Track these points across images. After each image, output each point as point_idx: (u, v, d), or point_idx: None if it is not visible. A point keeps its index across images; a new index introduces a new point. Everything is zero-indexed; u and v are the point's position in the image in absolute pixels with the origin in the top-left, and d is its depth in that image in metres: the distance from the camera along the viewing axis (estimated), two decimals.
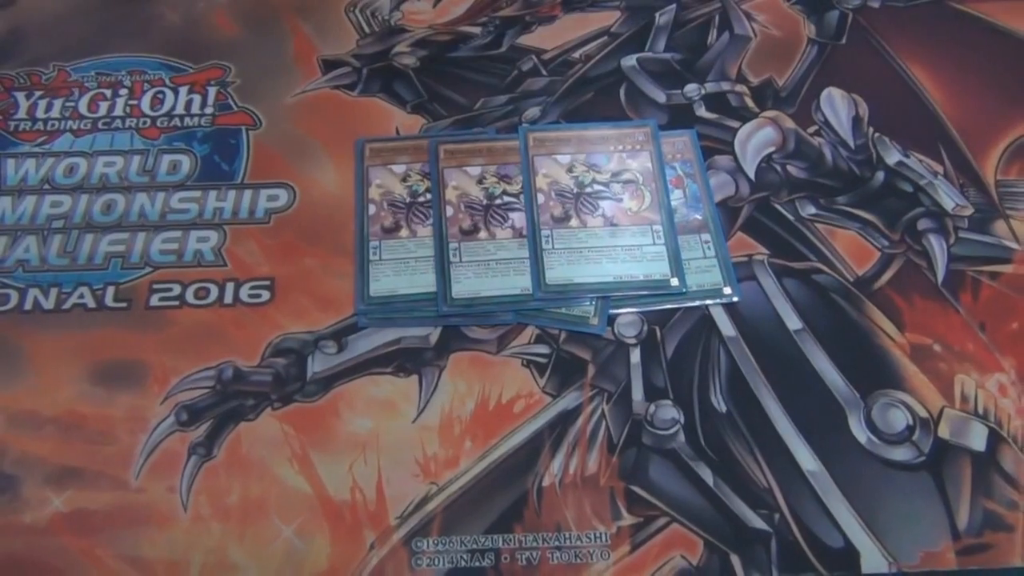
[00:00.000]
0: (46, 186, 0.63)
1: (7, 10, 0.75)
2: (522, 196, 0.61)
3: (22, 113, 0.67)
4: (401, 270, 0.58)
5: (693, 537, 0.49)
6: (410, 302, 0.57)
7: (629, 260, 0.58)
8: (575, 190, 0.61)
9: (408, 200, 0.61)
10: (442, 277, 0.57)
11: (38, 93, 0.68)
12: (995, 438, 0.52)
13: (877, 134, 0.65)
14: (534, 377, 0.55)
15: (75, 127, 0.66)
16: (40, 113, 0.67)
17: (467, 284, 0.57)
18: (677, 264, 0.58)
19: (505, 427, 0.53)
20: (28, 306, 0.57)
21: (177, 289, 0.58)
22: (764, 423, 0.53)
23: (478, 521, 0.50)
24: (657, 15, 0.73)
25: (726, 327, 0.57)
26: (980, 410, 0.53)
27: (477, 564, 0.48)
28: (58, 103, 0.68)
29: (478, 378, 0.55)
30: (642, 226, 0.59)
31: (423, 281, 0.57)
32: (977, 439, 0.52)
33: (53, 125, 0.66)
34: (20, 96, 0.68)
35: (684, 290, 0.57)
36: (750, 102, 0.67)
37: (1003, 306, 0.57)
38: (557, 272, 0.57)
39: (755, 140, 0.65)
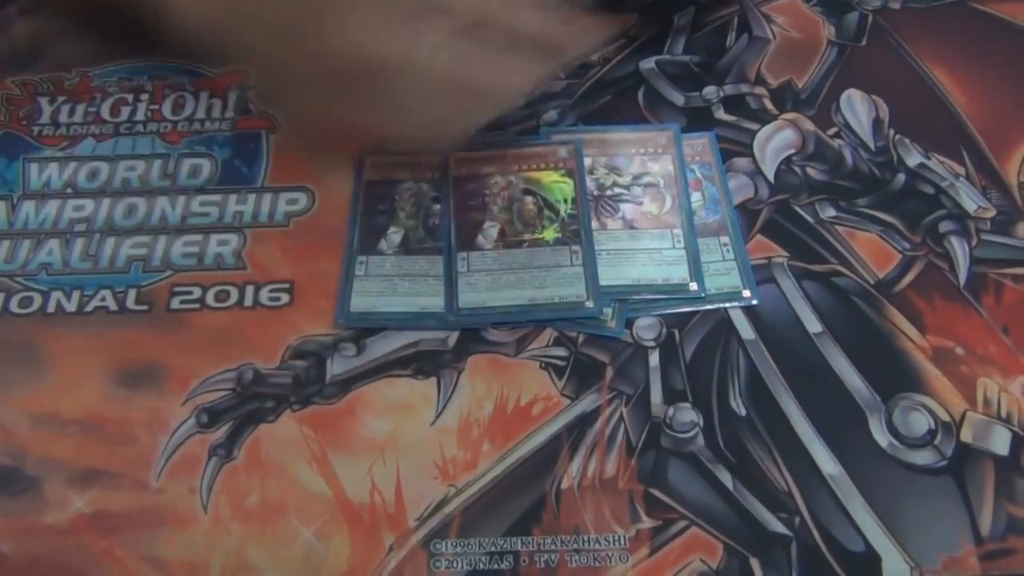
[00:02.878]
0: (69, 190, 0.64)
1: (30, 16, 0.76)
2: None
3: (45, 118, 0.68)
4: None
5: (713, 540, 0.49)
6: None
7: (648, 263, 0.58)
8: (596, 192, 0.61)
9: None
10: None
11: (61, 98, 0.69)
12: (1018, 442, 0.52)
13: (898, 136, 0.65)
14: (552, 380, 0.55)
15: (97, 132, 0.67)
16: (63, 118, 0.68)
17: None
18: (696, 268, 0.58)
19: (523, 429, 0.53)
20: (51, 309, 0.58)
21: (198, 292, 0.58)
22: (784, 426, 0.53)
23: (497, 523, 0.50)
24: (675, 17, 0.73)
25: (745, 330, 0.56)
26: (1003, 414, 0.53)
27: (496, 566, 0.48)
28: (80, 108, 0.68)
29: (496, 380, 0.55)
30: (662, 230, 0.59)
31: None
32: (1000, 443, 0.52)
33: (76, 130, 0.67)
34: (43, 101, 0.69)
35: (703, 294, 0.57)
36: (769, 104, 0.67)
37: None
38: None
39: (774, 142, 0.65)
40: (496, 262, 0.58)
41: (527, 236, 0.59)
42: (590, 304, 0.56)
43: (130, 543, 0.49)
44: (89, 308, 0.58)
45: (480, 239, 0.59)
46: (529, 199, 0.60)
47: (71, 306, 0.58)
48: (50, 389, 0.55)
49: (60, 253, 0.60)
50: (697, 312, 0.57)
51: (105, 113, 0.68)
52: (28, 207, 0.63)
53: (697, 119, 0.66)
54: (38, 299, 0.58)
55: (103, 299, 0.58)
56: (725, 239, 0.59)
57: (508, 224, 0.59)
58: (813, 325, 0.56)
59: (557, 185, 0.61)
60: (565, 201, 0.60)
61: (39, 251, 0.60)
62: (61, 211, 0.62)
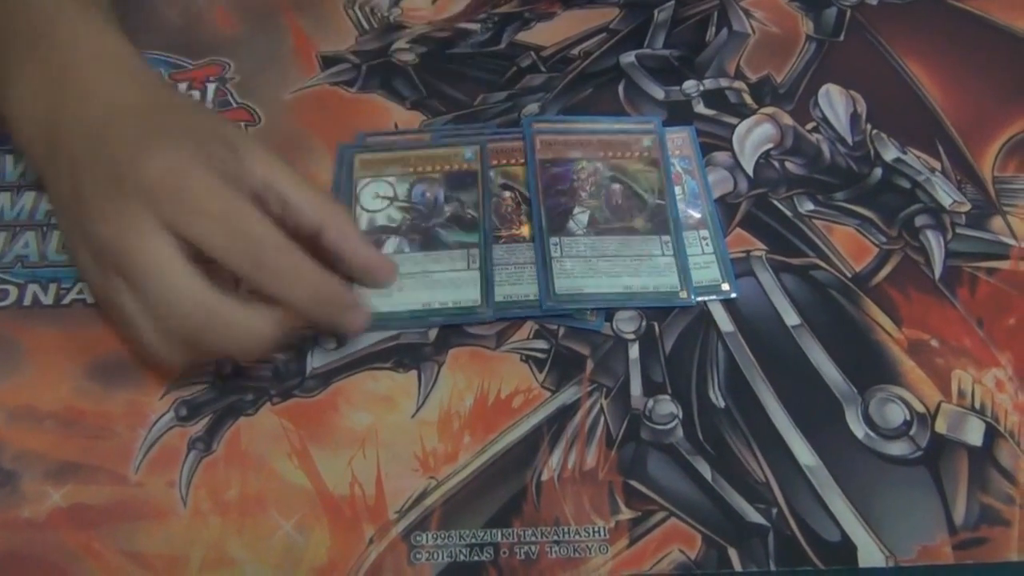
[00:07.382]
0: None
1: None
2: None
3: None
4: None
5: (691, 531, 0.49)
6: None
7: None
8: None
9: None
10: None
11: None
12: (992, 433, 0.52)
13: (875, 131, 0.66)
14: (533, 372, 0.55)
15: None
16: None
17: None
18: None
19: (504, 422, 0.53)
20: (27, 301, 0.57)
21: None
22: (762, 418, 0.53)
23: (477, 515, 0.50)
24: (656, 12, 0.73)
25: (724, 323, 0.57)
26: (977, 405, 0.54)
27: (476, 558, 0.48)
28: None
29: (477, 373, 0.55)
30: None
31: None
32: (974, 434, 0.53)
33: None
34: None
35: (693, 302, 0.57)
36: (748, 99, 0.68)
37: (1000, 302, 0.57)
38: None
39: (753, 136, 0.65)
40: (589, 248, 0.58)
41: (616, 224, 0.59)
42: (684, 295, 0.56)
43: (108, 537, 0.49)
44: (66, 301, 0.57)
45: (571, 224, 0.59)
46: (616, 187, 0.60)
47: (48, 299, 0.57)
48: (26, 382, 0.54)
49: (36, 245, 0.60)
50: (676, 306, 0.57)
51: None
52: (3, 198, 0.62)
53: (677, 113, 0.66)
54: (14, 292, 0.58)
55: (80, 292, 0.58)
56: (704, 233, 0.60)
57: (597, 211, 0.59)
58: (791, 318, 0.57)
59: (643, 174, 0.61)
60: (652, 191, 0.60)
61: (15, 243, 0.60)
62: (37, 203, 0.62)
